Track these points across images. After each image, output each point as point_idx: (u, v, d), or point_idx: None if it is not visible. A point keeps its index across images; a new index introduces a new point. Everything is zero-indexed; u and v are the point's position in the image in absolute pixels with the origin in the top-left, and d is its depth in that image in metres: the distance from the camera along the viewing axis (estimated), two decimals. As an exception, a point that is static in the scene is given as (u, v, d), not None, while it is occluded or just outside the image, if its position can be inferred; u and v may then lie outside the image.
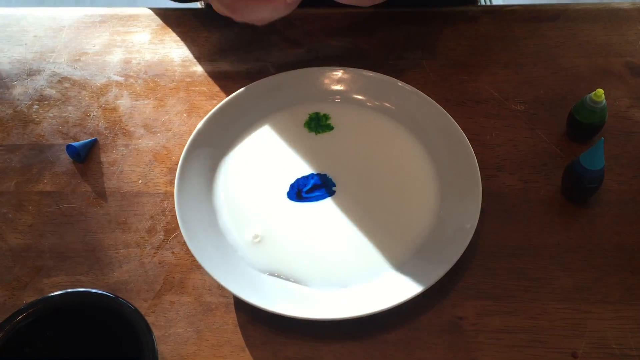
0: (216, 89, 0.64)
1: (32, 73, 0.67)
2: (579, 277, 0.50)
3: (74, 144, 0.58)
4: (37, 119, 0.63)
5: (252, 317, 0.49)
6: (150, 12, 0.71)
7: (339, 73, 0.61)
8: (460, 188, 0.54)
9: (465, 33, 0.68)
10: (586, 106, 0.55)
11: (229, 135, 0.58)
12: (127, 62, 0.67)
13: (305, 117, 0.60)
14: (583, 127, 0.56)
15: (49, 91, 0.65)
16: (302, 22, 0.69)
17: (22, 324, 0.40)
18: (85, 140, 0.60)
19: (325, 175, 0.56)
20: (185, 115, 0.62)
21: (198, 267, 0.50)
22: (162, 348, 0.48)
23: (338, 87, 0.61)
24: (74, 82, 0.66)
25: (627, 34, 0.67)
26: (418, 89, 0.60)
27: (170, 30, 0.70)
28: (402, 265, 0.50)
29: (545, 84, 0.63)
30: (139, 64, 0.67)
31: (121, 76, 0.66)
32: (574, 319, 0.48)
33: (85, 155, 0.59)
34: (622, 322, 0.48)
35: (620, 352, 0.46)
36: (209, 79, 0.65)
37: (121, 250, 0.53)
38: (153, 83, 0.65)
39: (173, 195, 0.54)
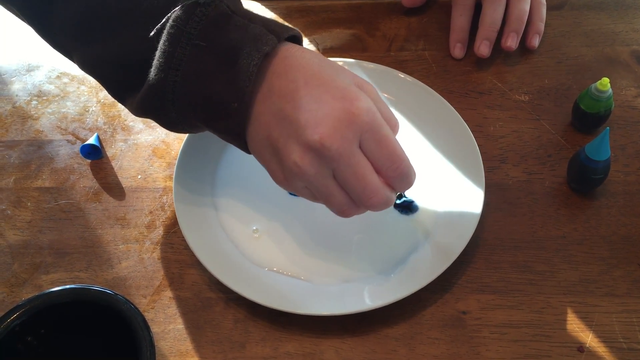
0: (215, 82, 0.63)
1: (30, 69, 0.66)
2: (585, 270, 0.49)
3: (90, 142, 0.58)
4: (36, 115, 0.62)
5: (252, 312, 0.48)
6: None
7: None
8: (463, 180, 0.53)
9: (468, 23, 0.66)
10: (591, 96, 0.54)
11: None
12: (126, 56, 0.66)
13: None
14: (588, 117, 0.55)
15: (48, 87, 0.64)
16: (302, 13, 0.69)
17: (18, 321, 0.40)
18: (91, 136, 0.59)
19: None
20: (184, 109, 0.61)
21: (197, 262, 0.50)
22: (161, 344, 0.47)
23: (338, 79, 0.60)
24: (72, 77, 0.65)
25: (634, 22, 0.65)
26: (420, 80, 0.59)
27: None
28: (404, 259, 0.49)
29: (550, 73, 0.62)
30: (137, 58, 0.66)
31: (120, 71, 0.65)
32: (579, 313, 0.47)
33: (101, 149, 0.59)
34: (629, 316, 0.47)
35: (627, 347, 0.46)
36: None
37: (120, 246, 0.53)
38: (152, 77, 0.64)
39: (172, 190, 0.53)
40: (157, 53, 0.40)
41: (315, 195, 0.43)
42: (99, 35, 0.43)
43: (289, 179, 0.42)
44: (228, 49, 0.40)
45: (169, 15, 0.40)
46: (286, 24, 0.44)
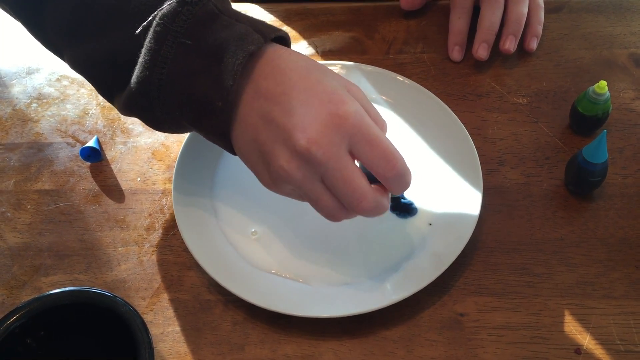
0: (215, 85, 0.63)
1: (30, 71, 0.66)
2: (583, 272, 0.50)
3: (90, 145, 0.58)
4: (36, 118, 0.62)
5: (250, 314, 0.48)
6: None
7: (336, 68, 0.60)
8: (461, 183, 0.53)
9: (466, 26, 0.67)
10: (589, 98, 0.54)
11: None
12: (125, 59, 0.67)
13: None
14: (586, 119, 0.55)
15: (48, 89, 0.65)
16: (301, 16, 0.69)
17: (17, 323, 0.40)
18: (91, 139, 0.59)
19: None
20: (183, 112, 0.61)
21: (196, 264, 0.50)
22: (160, 346, 0.47)
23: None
24: (72, 80, 0.65)
25: (632, 25, 0.66)
26: (419, 83, 0.59)
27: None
28: (402, 261, 0.49)
29: (548, 76, 0.62)
30: (137, 61, 0.66)
31: (120, 73, 0.65)
32: (577, 315, 0.47)
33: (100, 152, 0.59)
34: (626, 318, 0.47)
35: (624, 349, 0.46)
36: (208, 76, 0.64)
37: (119, 249, 0.53)
38: (152, 80, 0.64)
39: (171, 192, 0.54)
40: (143, 51, 0.40)
41: (303, 197, 0.43)
42: (88, 33, 0.43)
43: (276, 182, 0.42)
44: (214, 47, 0.40)
45: (155, 13, 0.40)
46: (280, 26, 0.44)
